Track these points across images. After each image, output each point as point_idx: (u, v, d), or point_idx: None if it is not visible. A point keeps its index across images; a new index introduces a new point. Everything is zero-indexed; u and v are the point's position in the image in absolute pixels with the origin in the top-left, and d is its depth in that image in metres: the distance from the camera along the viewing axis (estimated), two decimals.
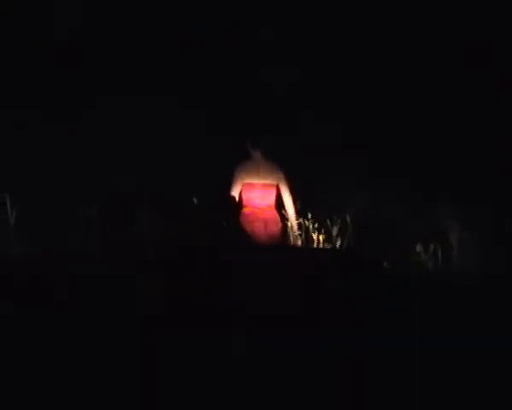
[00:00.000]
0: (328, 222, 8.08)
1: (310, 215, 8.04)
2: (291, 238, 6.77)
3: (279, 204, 6.69)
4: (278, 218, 6.58)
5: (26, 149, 8.63)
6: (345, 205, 8.50)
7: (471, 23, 9.55)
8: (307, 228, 8.05)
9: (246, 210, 6.51)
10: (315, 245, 8.02)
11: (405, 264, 7.89)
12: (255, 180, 6.42)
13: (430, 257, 8.01)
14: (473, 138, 8.96)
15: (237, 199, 6.38)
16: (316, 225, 8.10)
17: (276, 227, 6.51)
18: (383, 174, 8.79)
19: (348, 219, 8.32)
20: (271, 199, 6.48)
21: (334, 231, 8.05)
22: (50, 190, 8.20)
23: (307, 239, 8.06)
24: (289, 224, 6.76)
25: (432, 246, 8.04)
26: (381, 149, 8.90)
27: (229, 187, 6.43)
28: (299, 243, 6.99)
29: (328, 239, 8.10)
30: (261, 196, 6.42)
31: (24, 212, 7.51)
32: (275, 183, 6.47)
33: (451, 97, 9.16)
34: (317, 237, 8.04)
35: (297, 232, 6.70)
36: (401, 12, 9.76)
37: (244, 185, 6.40)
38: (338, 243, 8.01)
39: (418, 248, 8.03)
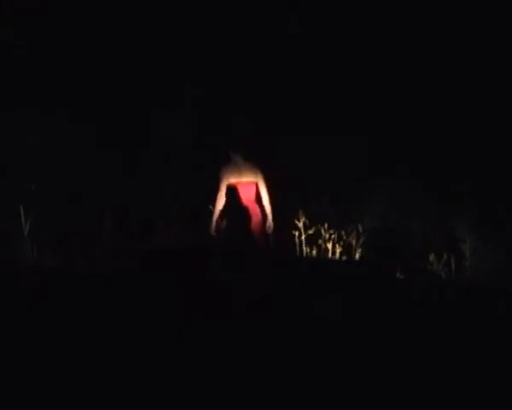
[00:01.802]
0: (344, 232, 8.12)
1: (326, 225, 8.09)
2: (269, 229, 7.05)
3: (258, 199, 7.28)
4: (259, 210, 7.11)
5: (37, 157, 8.59)
6: (359, 214, 8.47)
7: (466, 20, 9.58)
8: (324, 238, 8.08)
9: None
10: (329, 255, 8.07)
11: (419, 273, 7.89)
12: (238, 179, 7.04)
13: (443, 266, 7.99)
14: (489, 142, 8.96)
15: (225, 198, 7.04)
16: (331, 235, 8.12)
17: (257, 218, 7.08)
18: (399, 184, 8.77)
19: (361, 229, 8.29)
20: (252, 194, 7.08)
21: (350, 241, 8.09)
22: (64, 199, 8.18)
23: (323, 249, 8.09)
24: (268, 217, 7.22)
25: (445, 255, 8.02)
26: (396, 159, 8.86)
27: (217, 189, 7.07)
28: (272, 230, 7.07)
29: (344, 249, 8.10)
30: (243, 192, 7.03)
31: (37, 221, 7.47)
32: (254, 181, 7.07)
33: (471, 106, 9.14)
34: (332, 247, 8.06)
35: (272, 224, 6.99)
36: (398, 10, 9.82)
37: (229, 185, 7.02)
38: (356, 254, 8.04)
39: (431, 257, 8.02)
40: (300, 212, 8.21)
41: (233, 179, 7.04)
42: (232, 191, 7.06)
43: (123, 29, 9.79)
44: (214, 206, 7.03)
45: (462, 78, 9.55)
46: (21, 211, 7.38)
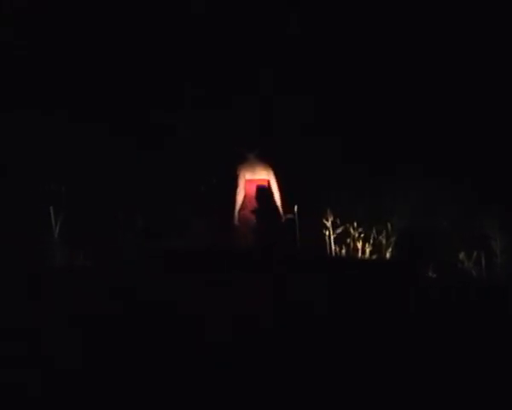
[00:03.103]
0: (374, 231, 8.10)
1: (355, 224, 8.06)
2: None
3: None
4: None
5: (67, 159, 8.58)
6: (388, 213, 8.43)
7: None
8: (353, 237, 8.05)
9: (247, 198, 8.01)
10: (359, 254, 8.05)
11: (450, 272, 7.85)
12: (252, 176, 7.94)
13: (473, 264, 7.95)
14: None
15: (244, 192, 7.95)
16: (361, 234, 8.09)
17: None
18: (426, 182, 8.73)
19: (390, 228, 8.26)
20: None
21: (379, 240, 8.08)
22: (93, 199, 8.17)
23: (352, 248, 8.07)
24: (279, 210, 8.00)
25: (475, 253, 7.98)
26: (423, 159, 8.82)
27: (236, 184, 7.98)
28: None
29: (374, 248, 8.07)
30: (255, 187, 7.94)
31: (68, 222, 7.44)
32: (267, 178, 7.96)
33: (497, 104, 9.10)
34: (362, 246, 8.03)
35: (283, 215, 7.88)
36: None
37: (246, 181, 7.93)
38: (386, 253, 8.03)
39: (461, 255, 7.98)
40: (328, 211, 8.21)
41: (248, 176, 7.92)
42: (248, 187, 7.94)
43: (123, 29, 9.78)
44: (234, 200, 7.89)
45: (481, 73, 9.53)
46: (51, 212, 7.34)
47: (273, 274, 6.73)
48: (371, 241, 8.17)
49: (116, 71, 9.75)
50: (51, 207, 7.28)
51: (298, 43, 10.15)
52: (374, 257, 8.13)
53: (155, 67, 9.90)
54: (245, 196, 7.95)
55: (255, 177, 7.92)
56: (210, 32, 10.08)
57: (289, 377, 4.68)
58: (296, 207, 8.16)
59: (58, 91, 9.45)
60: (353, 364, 4.90)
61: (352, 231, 8.14)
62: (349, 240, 8.15)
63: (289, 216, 8.09)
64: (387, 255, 8.21)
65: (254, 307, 5.98)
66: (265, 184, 7.95)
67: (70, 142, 9.01)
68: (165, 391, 4.49)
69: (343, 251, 8.11)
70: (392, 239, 8.23)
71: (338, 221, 8.20)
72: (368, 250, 8.14)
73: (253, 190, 7.96)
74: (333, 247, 8.17)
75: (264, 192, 7.99)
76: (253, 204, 7.94)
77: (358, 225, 8.16)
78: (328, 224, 8.16)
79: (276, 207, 7.97)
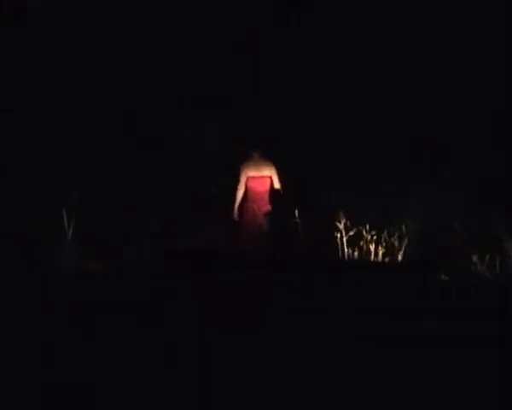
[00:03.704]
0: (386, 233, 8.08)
1: (368, 226, 8.04)
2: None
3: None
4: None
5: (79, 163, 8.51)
6: (400, 215, 8.42)
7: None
8: (365, 239, 8.02)
9: (251, 194, 8.40)
10: (372, 256, 8.02)
11: (463, 274, 7.83)
12: (255, 173, 8.32)
13: (486, 266, 7.93)
14: None
15: (244, 188, 8.33)
16: (373, 237, 8.06)
17: (269, 206, 8.37)
18: (439, 184, 8.72)
19: (404, 230, 8.23)
20: (267, 186, 8.36)
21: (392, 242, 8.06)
22: (99, 201, 8.10)
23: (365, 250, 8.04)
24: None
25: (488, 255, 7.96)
26: (433, 160, 8.82)
27: (238, 180, 8.35)
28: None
29: (386, 251, 8.04)
30: (260, 184, 8.32)
31: (80, 226, 7.35)
32: (269, 175, 8.35)
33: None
34: (375, 248, 8.00)
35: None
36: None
37: (248, 178, 8.32)
38: (399, 256, 8.01)
39: (475, 257, 7.95)
40: (341, 213, 8.17)
41: (251, 173, 8.30)
42: (250, 183, 8.31)
43: (123, 29, 9.71)
44: (235, 195, 8.26)
45: (483, 73, 9.55)
46: (64, 216, 7.25)
47: (275, 274, 6.77)
48: (383, 243, 8.13)
49: (117, 71, 9.69)
50: (64, 211, 7.19)
51: (298, 43, 10.13)
52: (386, 260, 8.10)
53: (156, 67, 9.85)
54: (249, 192, 8.31)
55: (258, 173, 8.29)
56: (210, 32, 10.04)
57: (290, 377, 4.67)
58: (300, 208, 8.18)
59: (58, 91, 9.38)
60: (354, 367, 4.88)
61: (364, 233, 8.10)
62: (362, 242, 8.11)
63: (295, 221, 8.23)
64: (399, 258, 8.18)
65: (256, 308, 5.96)
66: (268, 180, 8.31)
67: (74, 142, 8.95)
68: (165, 391, 4.46)
69: (356, 254, 8.07)
70: (405, 242, 8.20)
71: (348, 223, 8.18)
72: (380, 253, 8.11)
73: (256, 186, 8.32)
74: (345, 249, 8.13)
75: (275, 194, 8.24)
76: (257, 199, 8.27)
77: (371, 228, 8.11)
78: (341, 226, 8.11)
79: (283, 208, 8.21)
